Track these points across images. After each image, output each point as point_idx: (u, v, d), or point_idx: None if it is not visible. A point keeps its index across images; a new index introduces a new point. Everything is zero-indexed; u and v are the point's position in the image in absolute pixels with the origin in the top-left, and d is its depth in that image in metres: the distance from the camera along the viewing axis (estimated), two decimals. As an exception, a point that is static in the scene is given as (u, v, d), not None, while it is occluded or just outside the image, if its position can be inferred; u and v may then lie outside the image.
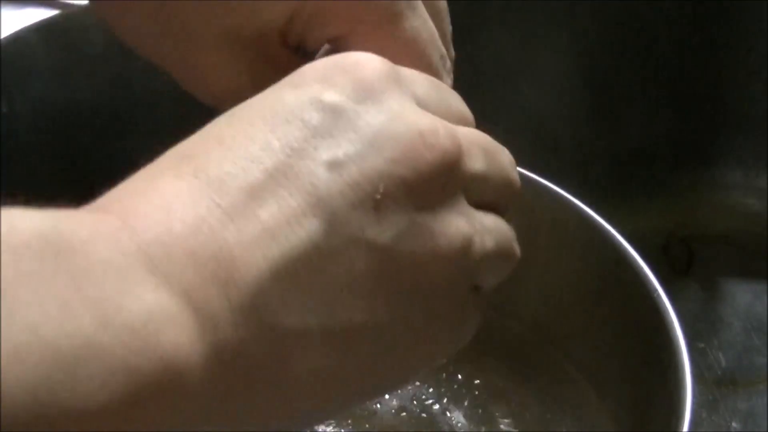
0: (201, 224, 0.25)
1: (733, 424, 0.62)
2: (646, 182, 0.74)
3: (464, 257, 0.29)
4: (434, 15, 0.36)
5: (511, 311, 0.53)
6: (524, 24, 0.69)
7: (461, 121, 0.32)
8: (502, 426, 0.49)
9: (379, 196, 0.27)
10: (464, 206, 0.30)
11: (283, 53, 0.36)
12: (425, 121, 0.29)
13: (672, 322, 0.43)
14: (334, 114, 0.28)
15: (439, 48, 0.35)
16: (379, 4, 0.33)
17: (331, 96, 0.28)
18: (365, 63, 0.29)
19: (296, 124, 0.27)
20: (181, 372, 0.23)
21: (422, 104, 0.30)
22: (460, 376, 0.51)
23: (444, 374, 0.51)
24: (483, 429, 0.49)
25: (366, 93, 0.28)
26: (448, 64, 0.36)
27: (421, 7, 0.35)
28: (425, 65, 0.34)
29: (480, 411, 0.50)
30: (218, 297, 0.24)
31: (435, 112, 0.30)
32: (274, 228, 0.25)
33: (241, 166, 0.26)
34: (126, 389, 0.22)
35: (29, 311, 0.21)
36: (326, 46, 0.36)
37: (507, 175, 0.32)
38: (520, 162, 0.49)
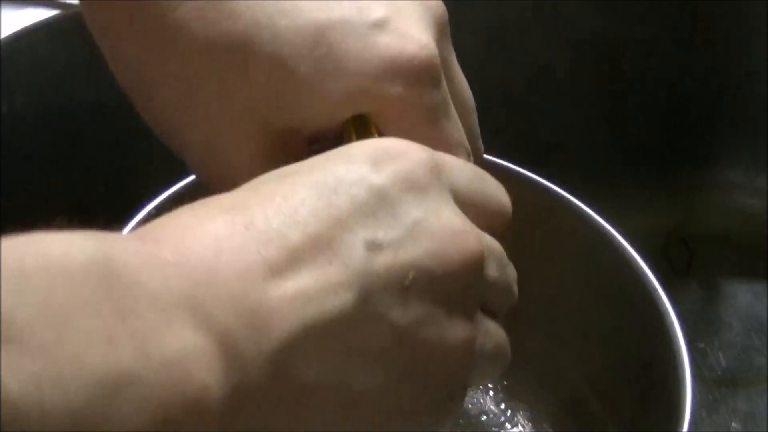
0: (247, 274, 0.27)
1: (733, 424, 0.62)
2: (646, 182, 0.74)
3: (465, 355, 0.31)
4: (462, 113, 0.38)
5: (510, 311, 0.53)
6: (526, 22, 0.69)
7: (497, 212, 0.35)
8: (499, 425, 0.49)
9: (407, 283, 0.29)
10: (475, 308, 0.32)
11: (297, 139, 0.37)
12: (458, 222, 0.31)
13: (672, 322, 0.43)
14: (379, 197, 0.30)
15: (466, 147, 0.38)
16: (425, 102, 0.35)
17: (380, 180, 0.30)
18: (412, 153, 0.31)
19: (343, 197, 0.29)
20: (205, 409, 0.25)
21: (460, 197, 0.32)
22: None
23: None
24: (478, 425, 0.49)
25: (410, 183, 0.30)
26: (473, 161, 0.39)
27: (452, 109, 0.37)
28: None
29: (475, 406, 0.50)
30: (251, 344, 0.26)
31: (472, 205, 0.32)
32: (312, 291, 0.27)
33: (289, 227, 0.28)
34: (155, 419, 0.23)
35: (77, 337, 0.22)
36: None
37: (511, 288, 0.35)
38: (520, 162, 0.50)
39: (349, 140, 0.36)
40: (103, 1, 0.35)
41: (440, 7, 0.38)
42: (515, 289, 0.35)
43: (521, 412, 0.51)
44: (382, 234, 0.29)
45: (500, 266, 0.34)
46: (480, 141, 0.41)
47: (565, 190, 0.48)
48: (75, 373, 0.22)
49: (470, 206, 0.32)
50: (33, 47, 0.61)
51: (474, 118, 0.40)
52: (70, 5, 0.62)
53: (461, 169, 0.33)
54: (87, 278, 0.24)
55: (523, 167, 0.49)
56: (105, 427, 0.22)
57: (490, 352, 0.33)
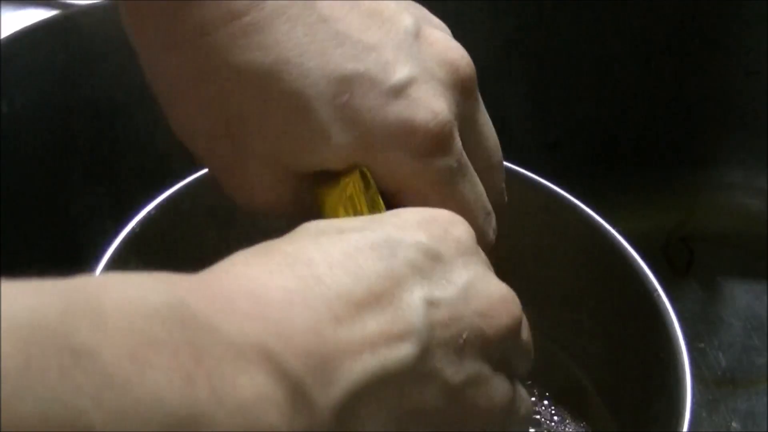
0: (317, 326, 0.28)
1: (733, 424, 0.62)
2: (646, 182, 0.74)
3: (504, 414, 0.34)
4: (485, 168, 0.40)
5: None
6: (527, 22, 0.69)
7: None
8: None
9: (461, 341, 0.31)
10: (512, 370, 0.35)
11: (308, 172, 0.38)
12: (504, 288, 0.34)
13: (672, 322, 0.43)
14: (434, 260, 0.32)
15: (484, 207, 0.39)
16: (435, 168, 0.37)
17: (434, 245, 0.32)
18: (458, 224, 0.34)
19: (401, 259, 0.31)
20: None
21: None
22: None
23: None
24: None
25: (460, 249, 0.33)
26: (493, 221, 0.40)
27: (469, 169, 0.38)
28: (470, 224, 0.37)
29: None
30: (320, 394, 0.27)
31: None
32: (376, 343, 0.29)
33: (354, 283, 0.30)
34: None
35: (157, 376, 0.23)
36: None
37: (531, 351, 0.37)
38: (520, 162, 0.50)
39: (353, 185, 0.37)
40: (142, 10, 0.36)
41: (467, 66, 0.39)
42: (532, 349, 0.37)
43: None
44: (438, 293, 0.31)
45: (527, 331, 0.36)
46: (504, 194, 0.42)
47: (565, 190, 0.48)
48: (155, 410, 0.23)
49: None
50: (33, 47, 0.61)
51: (498, 173, 0.42)
52: (70, 5, 0.62)
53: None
54: (164, 321, 0.25)
55: (523, 167, 0.49)
56: None
57: (523, 415, 0.35)
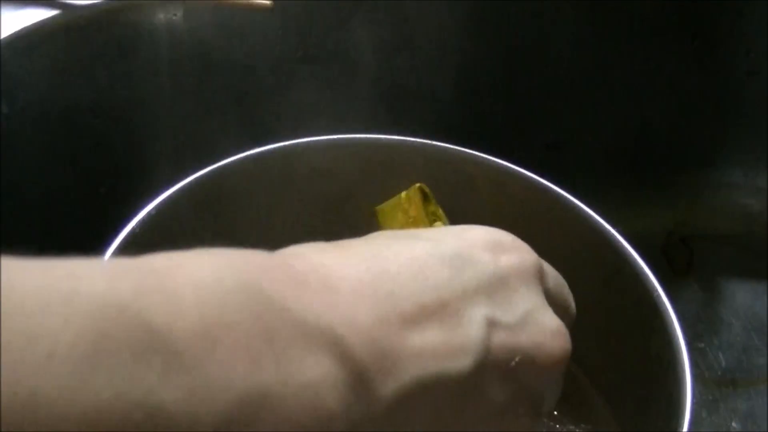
0: (384, 320, 0.29)
1: (733, 424, 0.62)
2: (646, 182, 0.74)
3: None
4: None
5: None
6: (529, 23, 0.69)
7: (568, 314, 0.39)
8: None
9: (513, 365, 0.32)
10: (545, 406, 0.36)
11: None
12: (559, 322, 0.35)
13: (672, 322, 0.43)
14: (500, 282, 0.33)
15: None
16: None
17: (501, 267, 0.34)
18: (524, 251, 0.36)
19: (469, 275, 0.32)
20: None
21: (549, 297, 0.36)
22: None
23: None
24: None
25: (524, 276, 0.34)
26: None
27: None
28: None
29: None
30: (380, 383, 0.28)
31: (556, 304, 0.37)
32: (438, 349, 0.30)
33: (423, 289, 0.31)
34: None
35: (226, 355, 0.24)
36: None
37: (561, 387, 0.38)
38: (520, 162, 0.50)
39: (412, 199, 0.40)
40: None
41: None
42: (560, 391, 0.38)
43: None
44: (500, 314, 0.32)
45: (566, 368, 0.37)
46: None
47: (565, 190, 0.48)
48: (222, 388, 0.24)
49: (556, 306, 0.36)
50: (33, 47, 0.61)
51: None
52: (70, 5, 0.62)
53: (553, 275, 0.38)
54: (238, 303, 0.25)
55: (523, 167, 0.49)
56: None
57: None
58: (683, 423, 0.39)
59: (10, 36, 0.60)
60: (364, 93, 0.69)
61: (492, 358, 0.32)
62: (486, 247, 0.34)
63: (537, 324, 0.34)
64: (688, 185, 0.74)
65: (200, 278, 0.25)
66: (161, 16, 0.63)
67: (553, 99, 0.72)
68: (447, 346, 0.30)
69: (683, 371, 0.41)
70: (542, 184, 0.48)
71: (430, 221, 0.39)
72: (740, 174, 0.75)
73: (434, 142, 0.50)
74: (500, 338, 0.32)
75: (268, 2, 0.61)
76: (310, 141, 0.49)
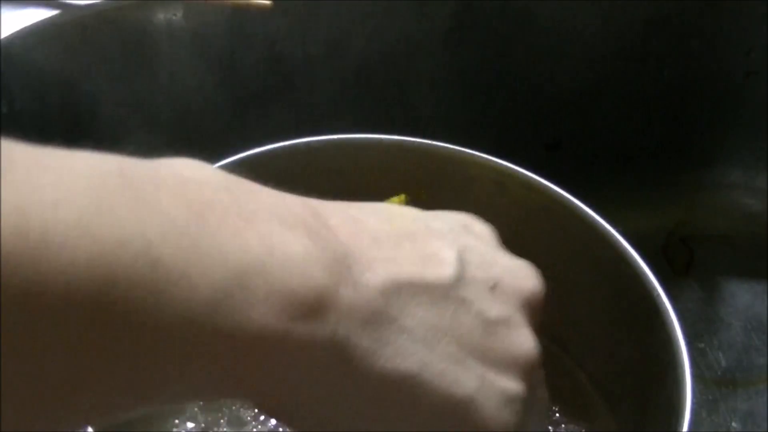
0: (358, 236, 0.31)
1: (733, 424, 0.62)
2: (646, 182, 0.74)
3: (530, 371, 0.35)
4: None
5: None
6: (530, 23, 0.69)
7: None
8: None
9: (493, 284, 0.34)
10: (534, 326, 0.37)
11: None
12: (527, 264, 0.36)
13: (672, 322, 0.43)
14: (467, 231, 0.35)
15: None
16: None
17: (471, 225, 0.36)
18: (487, 226, 0.37)
19: (438, 224, 0.34)
20: (324, 306, 0.28)
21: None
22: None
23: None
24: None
25: (490, 241, 0.36)
26: None
27: None
28: None
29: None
30: (360, 274, 0.29)
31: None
32: (413, 259, 0.31)
33: (393, 228, 0.33)
34: (283, 307, 0.27)
35: (214, 231, 0.26)
36: None
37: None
38: (520, 162, 0.50)
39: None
40: None
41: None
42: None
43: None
44: (472, 243, 0.34)
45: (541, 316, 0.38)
46: None
47: (565, 190, 0.48)
48: (216, 258, 0.26)
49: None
50: (33, 47, 0.61)
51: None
52: (70, 5, 0.62)
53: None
54: (214, 187, 0.27)
55: (523, 167, 0.49)
56: (240, 309, 0.26)
57: (540, 396, 0.38)
58: (683, 423, 0.39)
59: (10, 36, 0.60)
60: (365, 93, 0.69)
61: (472, 274, 0.33)
62: (456, 217, 0.36)
63: (507, 260, 0.35)
64: (688, 185, 0.74)
65: (179, 171, 0.27)
66: (161, 16, 0.63)
67: (553, 99, 0.72)
68: (424, 258, 0.32)
69: (683, 371, 0.41)
70: (542, 184, 0.48)
71: None
72: (740, 174, 0.75)
73: (434, 142, 0.50)
74: (475, 258, 0.34)
75: (268, 2, 0.61)
76: (311, 141, 0.49)
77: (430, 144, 0.50)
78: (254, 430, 0.49)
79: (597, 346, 0.50)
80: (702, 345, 0.65)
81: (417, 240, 0.33)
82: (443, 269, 0.32)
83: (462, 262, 0.33)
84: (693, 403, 0.40)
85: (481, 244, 0.35)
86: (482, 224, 0.37)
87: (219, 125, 0.67)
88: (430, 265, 0.32)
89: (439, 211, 0.36)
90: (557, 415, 0.49)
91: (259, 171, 0.48)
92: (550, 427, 0.49)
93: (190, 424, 0.49)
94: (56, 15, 0.61)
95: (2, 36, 0.59)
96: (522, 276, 0.35)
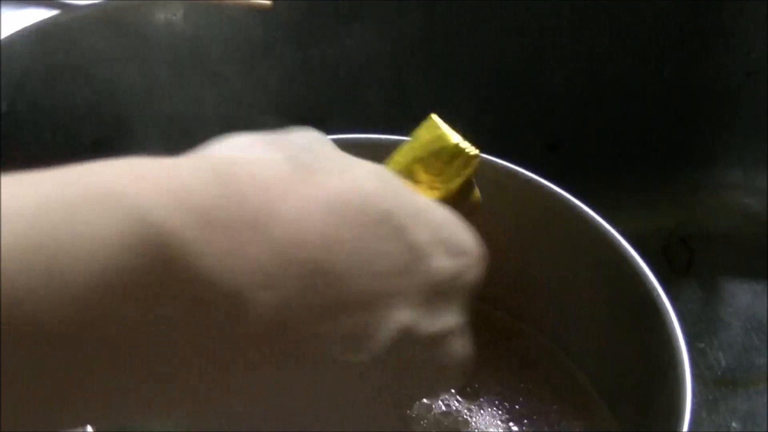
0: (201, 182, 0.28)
1: (733, 424, 0.62)
2: (646, 182, 0.74)
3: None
4: None
5: (511, 310, 0.53)
6: (530, 23, 0.69)
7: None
8: (500, 422, 0.49)
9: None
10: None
11: None
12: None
13: (672, 322, 0.43)
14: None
15: None
16: None
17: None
18: None
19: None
20: (165, 241, 0.26)
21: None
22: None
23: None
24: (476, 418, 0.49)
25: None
26: None
27: None
28: None
29: (477, 406, 0.50)
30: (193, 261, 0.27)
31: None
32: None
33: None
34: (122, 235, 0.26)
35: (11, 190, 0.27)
36: None
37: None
38: (520, 162, 0.50)
39: None
40: None
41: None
42: None
43: (522, 412, 0.51)
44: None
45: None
46: None
47: (565, 190, 0.48)
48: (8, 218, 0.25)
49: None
50: (33, 47, 0.61)
51: None
52: (70, 5, 0.62)
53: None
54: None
55: (523, 167, 0.49)
56: (83, 235, 0.25)
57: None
58: (683, 423, 0.39)
59: (10, 36, 0.60)
60: (365, 93, 0.69)
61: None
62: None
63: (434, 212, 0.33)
64: (688, 185, 0.74)
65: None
66: (161, 16, 0.63)
67: (553, 99, 0.72)
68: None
69: (683, 371, 0.41)
70: (542, 184, 0.48)
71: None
72: (740, 174, 0.75)
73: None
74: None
75: (268, 2, 0.61)
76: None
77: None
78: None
79: (597, 346, 0.50)
80: (702, 345, 0.65)
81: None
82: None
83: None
84: (693, 403, 0.40)
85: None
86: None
87: (219, 125, 0.67)
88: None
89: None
90: (554, 412, 0.50)
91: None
92: (548, 428, 0.49)
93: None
94: (56, 15, 0.61)
95: (2, 36, 0.59)
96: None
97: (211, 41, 0.65)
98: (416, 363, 0.32)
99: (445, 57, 0.69)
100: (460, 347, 0.33)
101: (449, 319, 0.32)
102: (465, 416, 0.50)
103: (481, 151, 0.50)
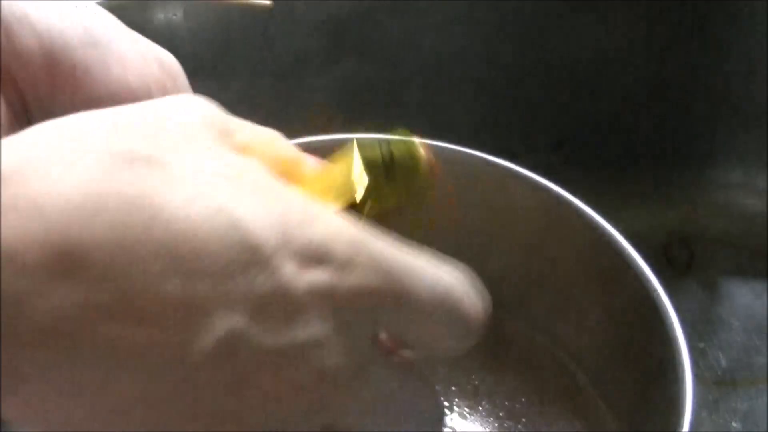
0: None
1: (733, 424, 0.62)
2: (646, 182, 0.74)
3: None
4: None
5: (511, 310, 0.53)
6: (531, 23, 0.69)
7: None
8: (499, 421, 0.49)
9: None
10: None
11: None
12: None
13: (672, 322, 0.43)
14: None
15: None
16: None
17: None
18: None
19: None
20: None
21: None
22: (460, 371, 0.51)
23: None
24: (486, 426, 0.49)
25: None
26: None
27: None
28: None
29: (477, 405, 0.50)
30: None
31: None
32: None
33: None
34: None
35: None
36: None
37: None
38: (521, 162, 0.50)
39: None
40: None
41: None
42: None
43: (522, 412, 0.51)
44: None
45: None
46: None
47: (565, 190, 0.48)
48: None
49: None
50: (33, 47, 0.61)
51: None
52: (71, 5, 0.62)
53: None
54: None
55: (523, 167, 0.49)
56: None
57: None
58: (683, 423, 0.39)
59: (11, 36, 0.59)
60: (366, 93, 0.69)
61: None
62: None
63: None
64: (688, 185, 0.74)
65: None
66: (161, 16, 0.63)
67: (555, 99, 0.72)
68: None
69: (683, 371, 0.41)
70: (543, 183, 0.48)
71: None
72: (740, 174, 0.75)
73: (435, 142, 0.49)
74: None
75: (268, 2, 0.61)
76: (311, 141, 0.49)
77: (430, 144, 0.50)
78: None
79: (597, 346, 0.50)
80: (702, 345, 0.65)
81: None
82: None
83: None
84: (693, 403, 0.40)
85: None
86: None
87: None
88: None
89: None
90: (553, 412, 0.50)
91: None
92: (548, 428, 0.49)
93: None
94: (56, 15, 0.61)
95: (2, 36, 0.59)
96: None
97: (211, 41, 0.65)
98: (260, 379, 0.27)
99: (447, 57, 0.69)
100: (332, 366, 0.28)
101: (307, 331, 0.27)
102: (464, 416, 0.50)
103: (484, 150, 0.50)
